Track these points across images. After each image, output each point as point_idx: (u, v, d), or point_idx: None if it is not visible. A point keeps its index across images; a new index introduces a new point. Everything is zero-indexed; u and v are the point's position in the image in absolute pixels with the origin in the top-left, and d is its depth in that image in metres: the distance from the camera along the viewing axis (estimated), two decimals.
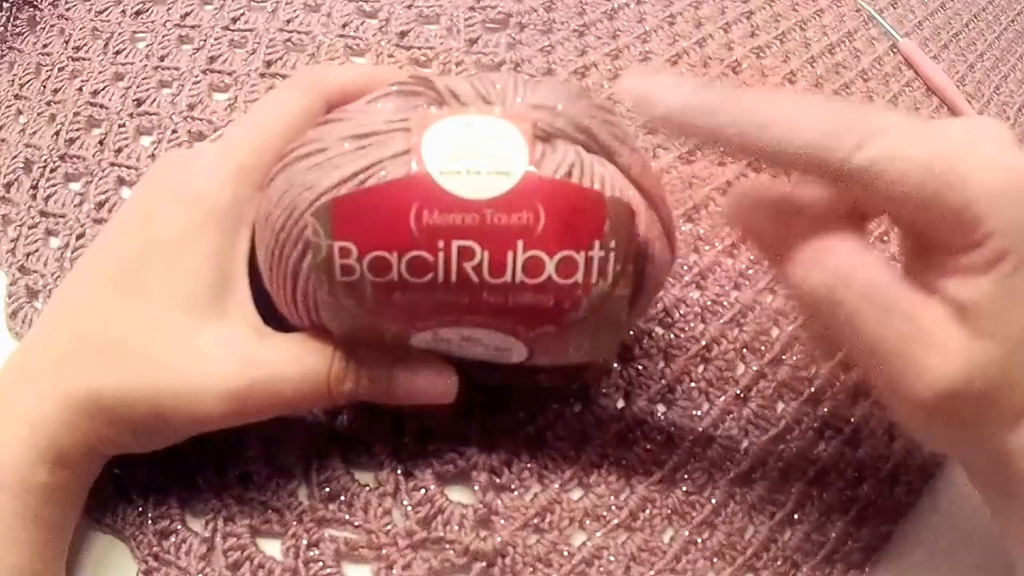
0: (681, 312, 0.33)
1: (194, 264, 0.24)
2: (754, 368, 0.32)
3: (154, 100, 0.37)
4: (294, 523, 0.26)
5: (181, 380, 0.23)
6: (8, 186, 0.35)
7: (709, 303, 0.34)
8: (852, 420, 0.32)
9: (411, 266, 0.22)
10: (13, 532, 0.22)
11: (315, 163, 0.23)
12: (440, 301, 0.22)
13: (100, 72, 0.39)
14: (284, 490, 0.27)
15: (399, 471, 0.27)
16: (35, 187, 0.35)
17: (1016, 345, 0.21)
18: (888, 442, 0.32)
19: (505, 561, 0.26)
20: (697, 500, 0.29)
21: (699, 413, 0.31)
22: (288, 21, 0.41)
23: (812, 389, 0.32)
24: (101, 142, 0.36)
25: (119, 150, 0.36)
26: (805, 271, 0.22)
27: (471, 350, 0.25)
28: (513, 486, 0.28)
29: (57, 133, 0.36)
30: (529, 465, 0.28)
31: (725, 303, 0.34)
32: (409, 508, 0.27)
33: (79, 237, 0.33)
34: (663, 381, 0.31)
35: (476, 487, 0.27)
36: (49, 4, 0.42)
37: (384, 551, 0.26)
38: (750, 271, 0.35)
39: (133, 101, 0.37)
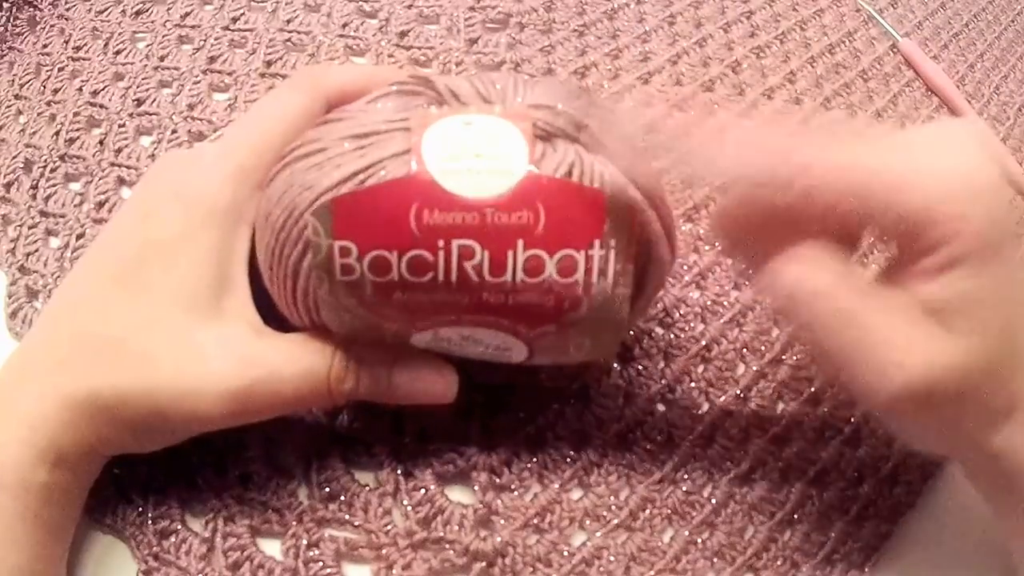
0: (681, 312, 0.33)
1: (194, 264, 0.24)
2: (754, 368, 0.32)
3: (154, 100, 0.37)
4: (294, 523, 0.26)
5: (181, 379, 0.23)
6: (8, 186, 0.35)
7: (709, 303, 0.34)
8: (852, 420, 0.32)
9: (411, 265, 0.22)
10: (13, 532, 0.22)
11: (315, 163, 0.23)
12: (440, 300, 0.22)
13: (100, 72, 0.39)
14: (284, 490, 0.27)
15: (399, 471, 0.27)
16: (35, 187, 0.35)
17: (993, 341, 0.21)
18: (888, 442, 0.31)
19: (505, 561, 0.26)
20: (697, 500, 0.29)
21: (699, 413, 0.31)
22: (288, 21, 0.41)
23: (812, 389, 0.32)
24: (101, 142, 0.36)
25: (119, 150, 0.36)
26: (770, 279, 0.23)
27: (471, 349, 0.25)
28: (513, 486, 0.28)
29: (57, 133, 0.36)
30: (529, 465, 0.28)
31: (725, 303, 0.34)
32: (409, 508, 0.27)
33: (79, 237, 0.33)
34: (663, 381, 0.31)
35: (476, 487, 0.27)
36: (49, 4, 0.42)
37: (384, 551, 0.26)
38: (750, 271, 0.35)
39: (133, 101, 0.37)
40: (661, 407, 0.31)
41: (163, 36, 0.40)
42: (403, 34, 0.41)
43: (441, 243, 0.21)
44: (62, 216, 0.34)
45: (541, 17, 0.43)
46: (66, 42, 0.40)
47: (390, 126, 0.23)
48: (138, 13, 0.41)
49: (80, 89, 0.38)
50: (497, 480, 0.28)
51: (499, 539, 0.27)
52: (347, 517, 0.27)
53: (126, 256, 0.24)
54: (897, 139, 0.23)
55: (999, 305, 0.21)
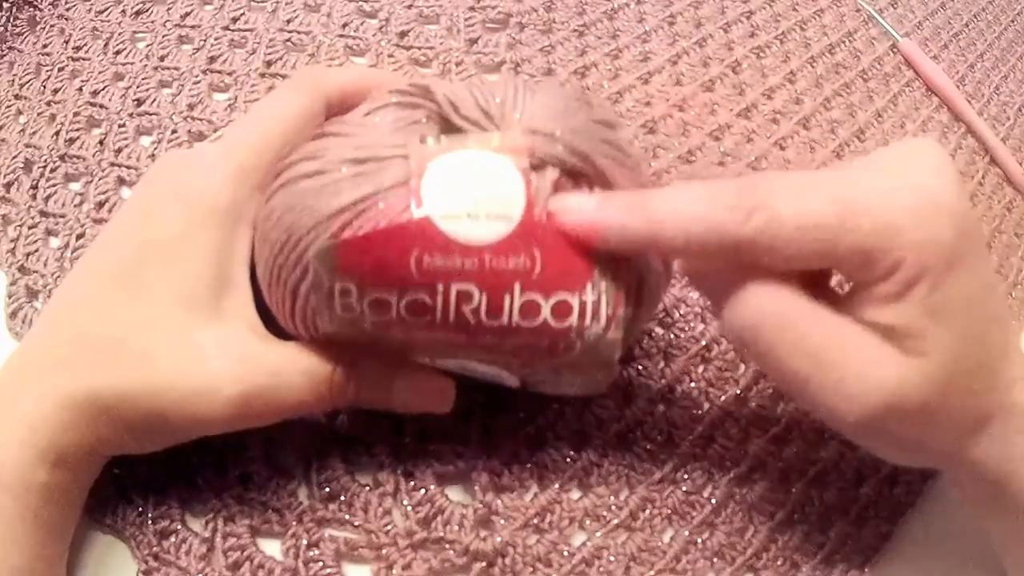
0: (681, 312, 0.33)
1: (194, 264, 0.24)
2: (754, 368, 0.32)
3: (154, 100, 0.37)
4: (294, 523, 0.26)
5: (181, 380, 0.23)
6: (8, 186, 0.35)
7: (709, 303, 0.34)
8: None
9: (410, 307, 0.22)
10: (13, 532, 0.22)
11: (313, 187, 0.23)
12: (438, 338, 0.23)
13: (100, 72, 0.39)
14: (284, 490, 0.27)
15: (399, 471, 0.27)
16: (35, 187, 0.35)
17: (951, 359, 0.21)
18: None
19: (505, 561, 0.26)
20: (697, 500, 0.29)
21: (699, 413, 0.31)
22: (288, 21, 0.41)
23: None
24: (101, 142, 0.36)
25: (119, 150, 0.36)
26: (729, 312, 0.23)
27: (468, 373, 0.25)
28: (513, 486, 0.28)
29: (57, 133, 0.36)
30: (529, 465, 0.28)
31: None
32: (409, 508, 0.27)
33: (79, 237, 0.33)
34: (663, 381, 0.31)
35: (476, 487, 0.27)
36: (49, 4, 0.42)
37: (384, 551, 0.26)
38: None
39: (133, 101, 0.37)
40: (661, 407, 0.31)
41: (163, 36, 0.40)
42: (403, 34, 0.41)
43: (440, 287, 0.22)
44: (62, 216, 0.34)
45: (541, 17, 0.43)
46: (66, 42, 0.40)
47: (388, 152, 0.23)
48: (138, 13, 0.41)
49: (80, 89, 0.38)
50: (497, 480, 0.28)
51: (499, 539, 0.27)
52: (347, 517, 0.27)
53: (126, 256, 0.24)
54: (855, 166, 0.23)
55: (967, 316, 0.21)
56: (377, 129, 0.24)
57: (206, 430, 0.24)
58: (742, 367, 0.32)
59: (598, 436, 0.29)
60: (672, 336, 0.32)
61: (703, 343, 0.32)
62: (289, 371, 0.24)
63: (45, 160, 0.36)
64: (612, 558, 0.27)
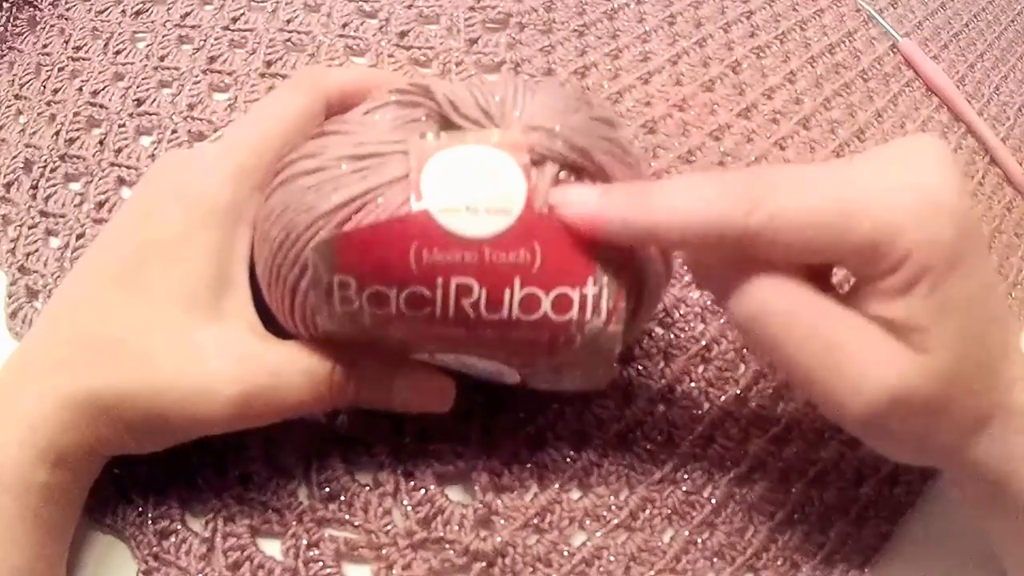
0: (681, 312, 0.33)
1: (194, 264, 0.24)
2: (754, 368, 0.32)
3: (154, 100, 0.37)
4: (294, 523, 0.26)
5: (180, 380, 0.23)
6: (8, 186, 0.35)
7: (709, 303, 0.34)
8: None
9: (410, 301, 0.22)
10: (13, 532, 0.22)
11: (313, 184, 0.23)
12: (437, 333, 0.23)
13: (100, 72, 0.39)
14: (284, 490, 0.27)
15: (399, 471, 0.27)
16: (35, 187, 0.35)
17: (956, 356, 0.21)
18: None
19: (505, 561, 0.26)
20: (697, 500, 0.29)
21: (699, 413, 0.31)
22: (288, 21, 0.41)
23: None
24: (101, 142, 0.36)
25: (119, 150, 0.36)
26: (735, 304, 0.23)
27: (468, 370, 0.25)
28: (513, 486, 0.28)
29: (57, 133, 0.36)
30: (529, 465, 0.28)
31: None
32: (409, 508, 0.27)
33: (79, 237, 0.33)
34: (663, 381, 0.31)
35: (476, 487, 0.27)
36: (49, 4, 0.42)
37: (384, 551, 0.26)
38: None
39: (133, 101, 0.37)
40: (661, 407, 0.31)
41: (163, 36, 0.40)
42: (403, 34, 0.41)
43: (440, 280, 0.22)
44: (62, 216, 0.34)
45: (541, 17, 0.43)
46: (66, 42, 0.40)
47: (388, 148, 0.23)
48: (138, 13, 0.41)
49: (80, 89, 0.38)
50: (497, 480, 0.28)
51: (499, 539, 0.27)
52: (347, 517, 0.27)
53: (126, 256, 0.24)
54: (836, 169, 0.23)
55: (967, 316, 0.21)
56: (377, 127, 0.24)
57: (206, 430, 0.24)
58: (742, 367, 0.32)
59: (598, 436, 0.29)
60: (672, 336, 0.32)
61: (703, 343, 0.32)
62: (289, 371, 0.24)
63: (45, 160, 0.36)
64: (612, 558, 0.27)
